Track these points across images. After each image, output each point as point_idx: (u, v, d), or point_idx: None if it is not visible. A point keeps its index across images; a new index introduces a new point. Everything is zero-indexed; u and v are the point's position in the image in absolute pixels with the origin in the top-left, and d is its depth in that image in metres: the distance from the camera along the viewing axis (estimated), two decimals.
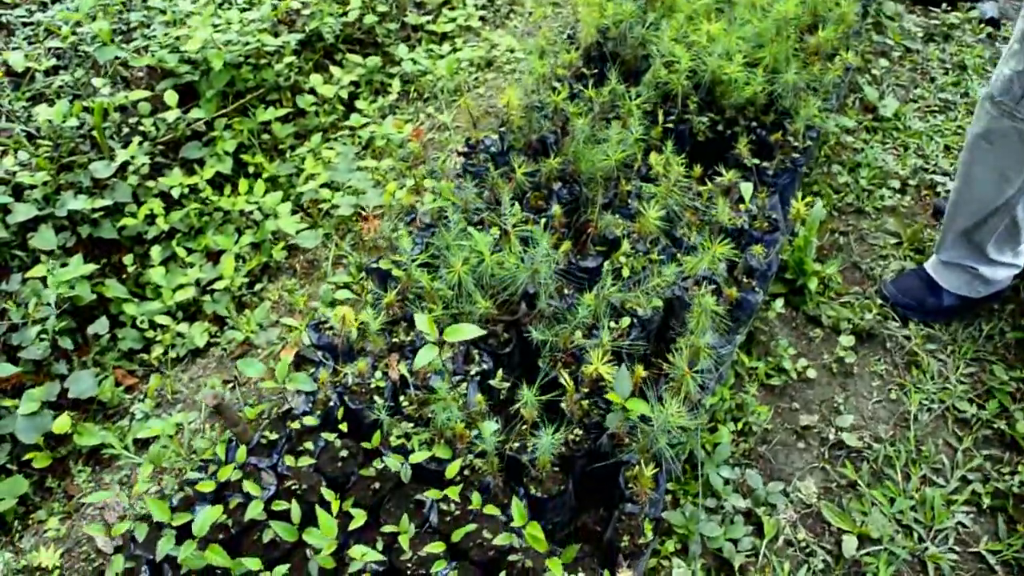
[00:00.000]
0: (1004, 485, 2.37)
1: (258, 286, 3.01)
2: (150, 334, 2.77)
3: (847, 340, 2.78)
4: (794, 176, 2.96)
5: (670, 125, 2.98)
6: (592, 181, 2.71)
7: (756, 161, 2.89)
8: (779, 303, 2.87)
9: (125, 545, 1.98)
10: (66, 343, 2.61)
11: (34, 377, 2.57)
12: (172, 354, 2.74)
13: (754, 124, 3.09)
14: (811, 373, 2.70)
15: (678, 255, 2.50)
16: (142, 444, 2.42)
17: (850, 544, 2.25)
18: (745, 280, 2.55)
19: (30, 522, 2.33)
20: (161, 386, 2.56)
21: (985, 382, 2.64)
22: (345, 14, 4.00)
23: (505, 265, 2.30)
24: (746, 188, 2.62)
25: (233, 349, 2.67)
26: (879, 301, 2.92)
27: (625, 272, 2.43)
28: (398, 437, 2.06)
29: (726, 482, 2.37)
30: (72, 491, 2.39)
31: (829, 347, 2.79)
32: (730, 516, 2.31)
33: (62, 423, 2.36)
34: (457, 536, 1.85)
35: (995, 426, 2.52)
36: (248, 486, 1.92)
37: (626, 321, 2.30)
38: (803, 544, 2.26)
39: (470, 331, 1.86)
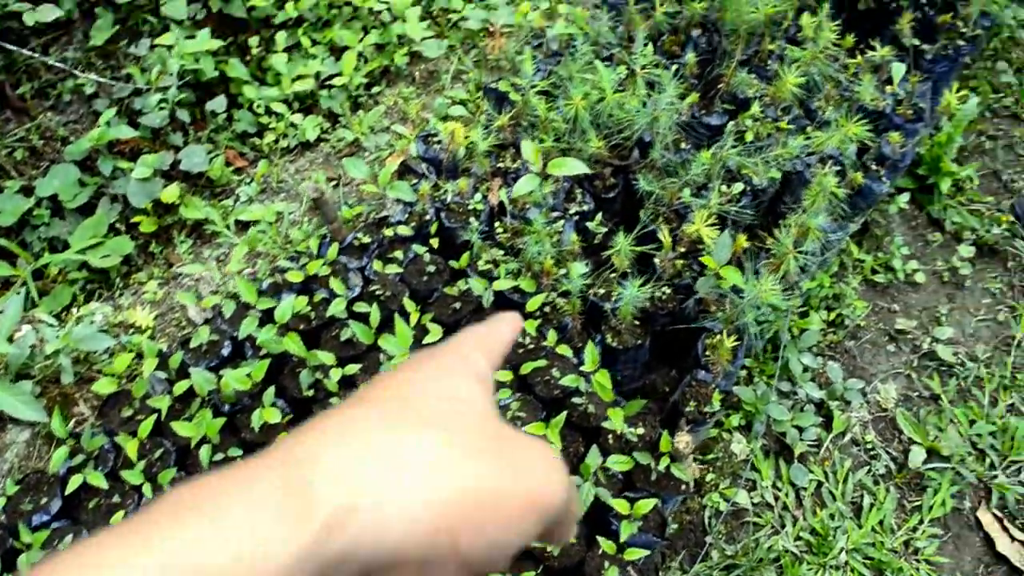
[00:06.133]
0: None
1: (375, 88, 2.98)
2: (264, 120, 2.80)
3: (966, 251, 2.63)
4: (953, 65, 2.72)
5: None
6: (734, 33, 2.53)
7: (916, 42, 2.65)
8: (903, 198, 2.71)
9: (214, 319, 2.08)
10: (184, 116, 2.66)
11: (150, 144, 2.64)
12: (283, 143, 2.77)
13: (923, 0, 2.82)
14: (919, 277, 2.57)
15: (809, 128, 2.35)
16: (243, 226, 2.49)
17: (917, 456, 2.20)
18: (873, 167, 2.39)
19: (131, 282, 2.45)
20: (268, 173, 2.61)
21: None
22: None
23: (626, 107, 2.20)
24: (898, 69, 2.42)
25: (342, 148, 2.67)
26: (1011, 217, 2.73)
27: (748, 136, 2.31)
28: (487, 262, 2.06)
29: (805, 369, 2.33)
30: (172, 260, 2.50)
31: (945, 254, 2.65)
32: (801, 404, 2.28)
33: (171, 193, 2.44)
34: (526, 369, 1.87)
35: None
36: (334, 283, 1.97)
37: (739, 187, 2.20)
38: (869, 446, 2.23)
39: (575, 166, 1.82)
